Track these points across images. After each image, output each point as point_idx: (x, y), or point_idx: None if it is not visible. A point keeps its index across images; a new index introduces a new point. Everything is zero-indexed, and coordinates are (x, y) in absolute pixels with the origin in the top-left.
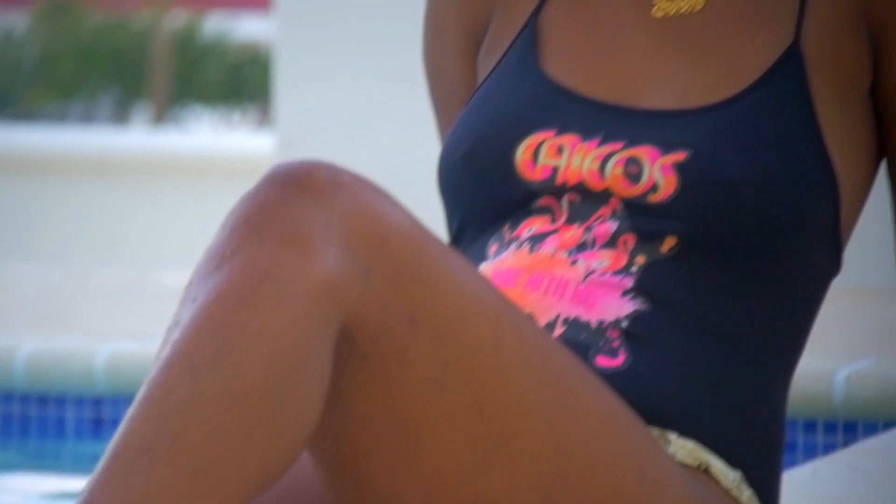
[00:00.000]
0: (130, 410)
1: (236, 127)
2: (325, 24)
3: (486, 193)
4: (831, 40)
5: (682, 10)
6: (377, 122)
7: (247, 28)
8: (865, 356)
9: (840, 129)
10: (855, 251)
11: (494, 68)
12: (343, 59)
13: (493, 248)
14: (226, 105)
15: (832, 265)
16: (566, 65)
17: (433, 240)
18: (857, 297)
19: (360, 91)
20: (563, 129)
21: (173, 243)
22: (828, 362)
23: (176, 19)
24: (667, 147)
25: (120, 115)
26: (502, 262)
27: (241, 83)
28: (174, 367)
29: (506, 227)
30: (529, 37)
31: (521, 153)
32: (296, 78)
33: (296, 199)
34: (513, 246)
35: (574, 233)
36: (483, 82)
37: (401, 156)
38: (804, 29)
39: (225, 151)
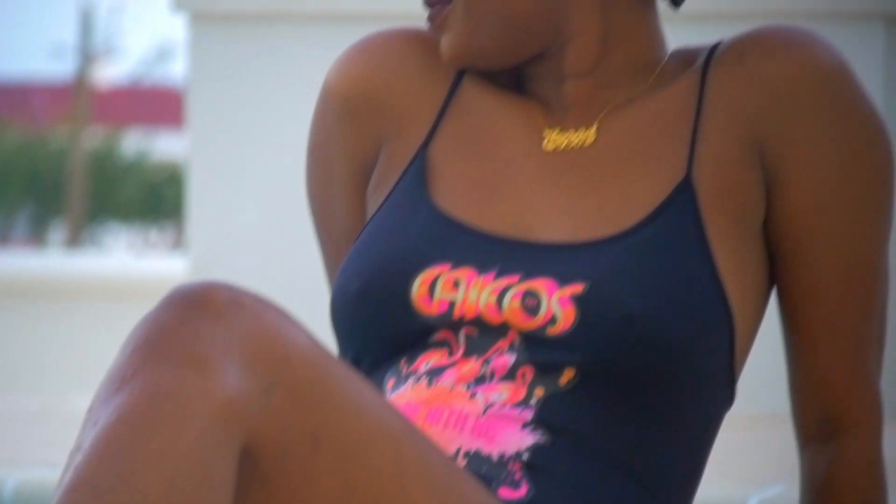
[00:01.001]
0: None
1: (154, 245)
2: (238, 145)
3: (382, 328)
4: (724, 173)
5: (573, 144)
6: (291, 245)
7: (164, 146)
8: (777, 482)
9: (734, 261)
10: (764, 377)
11: (385, 202)
12: (256, 181)
13: (390, 382)
14: (143, 223)
15: (726, 396)
16: (458, 197)
17: (335, 361)
18: (767, 423)
19: (274, 214)
20: (458, 263)
21: (88, 368)
22: (739, 489)
23: (93, 137)
24: (563, 279)
25: (37, 234)
26: (400, 397)
27: (158, 201)
28: (76, 491)
29: (403, 361)
30: (419, 169)
31: (417, 288)
32: (209, 200)
33: (195, 319)
34: (410, 380)
35: (472, 366)
36: (373, 216)
37: (316, 280)
38: (696, 162)
39: (140, 274)
